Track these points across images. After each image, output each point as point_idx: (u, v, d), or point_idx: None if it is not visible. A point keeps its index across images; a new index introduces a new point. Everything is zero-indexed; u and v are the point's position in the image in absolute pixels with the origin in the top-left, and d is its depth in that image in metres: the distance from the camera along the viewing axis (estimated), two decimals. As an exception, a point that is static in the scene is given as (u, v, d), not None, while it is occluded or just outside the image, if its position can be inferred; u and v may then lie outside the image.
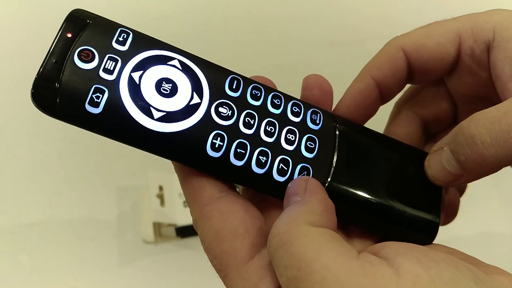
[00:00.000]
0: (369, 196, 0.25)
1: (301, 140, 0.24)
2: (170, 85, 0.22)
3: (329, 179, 0.24)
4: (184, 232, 0.47)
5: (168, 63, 0.23)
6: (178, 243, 0.47)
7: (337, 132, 0.25)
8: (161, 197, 0.48)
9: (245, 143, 0.23)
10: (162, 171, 0.49)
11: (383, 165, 0.26)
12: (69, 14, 0.23)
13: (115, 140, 0.22)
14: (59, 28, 0.22)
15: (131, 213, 0.49)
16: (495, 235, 0.49)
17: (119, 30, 0.23)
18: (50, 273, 0.46)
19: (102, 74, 0.21)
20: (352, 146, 0.25)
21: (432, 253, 0.19)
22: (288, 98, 0.25)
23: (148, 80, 0.22)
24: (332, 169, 0.24)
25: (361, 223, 0.26)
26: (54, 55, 0.21)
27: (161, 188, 0.48)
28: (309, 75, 0.27)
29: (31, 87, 0.21)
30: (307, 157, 0.24)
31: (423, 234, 0.26)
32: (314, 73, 0.27)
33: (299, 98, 0.26)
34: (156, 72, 0.22)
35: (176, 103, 0.22)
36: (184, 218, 0.47)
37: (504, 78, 0.24)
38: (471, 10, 0.27)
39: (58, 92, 0.21)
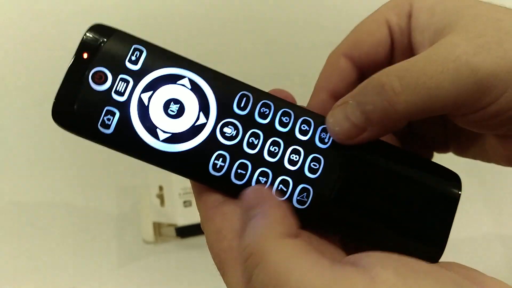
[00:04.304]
0: (372, 217, 0.24)
1: (305, 161, 0.24)
2: (178, 105, 0.23)
3: (330, 200, 0.24)
4: (184, 232, 0.47)
5: (178, 82, 0.23)
6: (178, 243, 0.47)
7: (345, 150, 0.25)
8: (161, 197, 0.48)
9: (247, 163, 0.23)
10: (162, 171, 0.48)
11: (392, 183, 0.25)
12: (87, 30, 0.23)
13: (126, 155, 0.23)
14: (77, 47, 0.23)
15: (131, 213, 0.49)
16: (480, 236, 0.48)
17: (132, 48, 0.23)
18: (50, 273, 0.46)
19: (114, 95, 0.23)
20: (360, 163, 0.25)
21: (414, 263, 0.19)
22: (298, 115, 0.25)
23: (157, 101, 0.23)
24: (335, 190, 0.24)
25: (363, 242, 0.25)
26: (71, 75, 0.23)
27: (161, 188, 0.48)
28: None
29: (51, 106, 0.22)
30: (309, 178, 0.24)
31: (429, 256, 0.25)
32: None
33: (311, 111, 0.26)
34: (165, 93, 0.23)
35: (182, 124, 0.23)
36: (184, 218, 0.47)
37: (417, 46, 0.25)
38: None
39: (74, 113, 0.22)
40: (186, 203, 0.47)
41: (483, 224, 0.49)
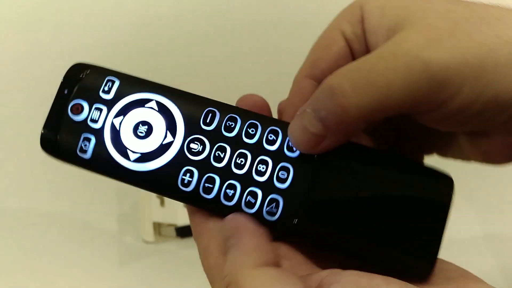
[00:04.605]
0: (350, 228, 0.23)
1: (274, 170, 0.24)
2: (146, 127, 0.25)
3: (302, 210, 0.23)
4: (184, 232, 0.47)
5: (146, 105, 0.25)
6: (178, 243, 0.47)
7: (317, 157, 0.24)
8: (161, 197, 0.48)
9: (214, 177, 0.24)
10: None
11: (372, 189, 0.23)
12: (68, 70, 0.26)
13: (107, 177, 0.25)
14: (59, 84, 0.26)
15: (131, 213, 0.49)
16: (473, 236, 0.48)
17: (106, 79, 0.25)
18: (50, 273, 0.46)
19: (89, 123, 0.25)
20: (334, 170, 0.24)
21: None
22: (266, 125, 0.25)
23: (127, 125, 0.25)
24: (307, 198, 0.23)
25: (342, 254, 0.24)
26: (55, 110, 0.25)
27: (161, 188, 0.48)
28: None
29: (39, 137, 0.25)
30: (279, 188, 0.24)
31: (417, 272, 0.23)
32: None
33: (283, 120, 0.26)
34: (134, 116, 0.25)
35: (150, 144, 0.25)
36: (184, 218, 0.47)
37: (372, 48, 0.24)
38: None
39: (58, 142, 0.25)
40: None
41: (476, 224, 0.49)
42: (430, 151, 0.29)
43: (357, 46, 0.25)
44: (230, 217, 0.23)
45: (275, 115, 0.28)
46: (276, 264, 0.22)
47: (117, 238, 0.47)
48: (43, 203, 0.49)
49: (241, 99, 0.27)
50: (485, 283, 0.21)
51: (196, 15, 0.61)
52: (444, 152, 0.28)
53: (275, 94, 0.29)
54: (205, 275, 0.24)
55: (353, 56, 0.26)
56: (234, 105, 0.26)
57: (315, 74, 0.26)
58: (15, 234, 0.48)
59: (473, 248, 0.48)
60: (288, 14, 0.62)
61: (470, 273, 0.22)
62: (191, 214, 0.25)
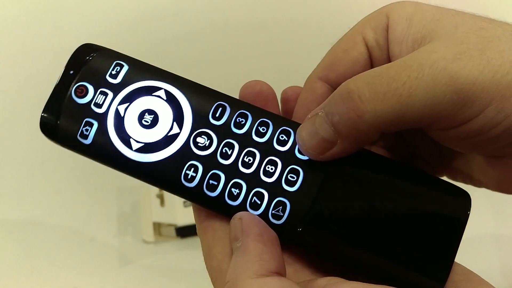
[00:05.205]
0: (357, 240, 0.22)
1: (283, 172, 0.23)
2: (152, 116, 0.24)
3: (308, 217, 0.22)
4: (184, 232, 0.47)
5: (153, 94, 0.24)
6: (178, 243, 0.47)
7: (330, 162, 0.23)
8: (161, 197, 0.48)
9: (219, 174, 0.23)
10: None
11: (383, 201, 0.23)
12: (75, 50, 0.25)
13: (105, 165, 0.24)
14: (65, 65, 0.24)
15: (131, 213, 0.49)
16: (476, 235, 0.48)
17: (114, 63, 0.24)
18: (50, 273, 0.46)
19: (93, 107, 0.24)
20: (346, 176, 0.23)
21: None
22: (277, 125, 0.24)
23: (132, 112, 0.24)
24: (316, 204, 0.22)
25: (347, 268, 0.23)
26: (58, 90, 0.24)
27: (161, 188, 0.48)
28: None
29: (39, 118, 0.24)
30: (287, 191, 0.23)
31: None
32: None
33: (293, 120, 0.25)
34: (141, 104, 0.24)
35: (155, 134, 0.24)
36: (184, 218, 0.47)
37: (394, 59, 0.23)
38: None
39: (58, 125, 0.24)
40: (186, 203, 0.47)
41: (481, 224, 0.49)
42: (441, 172, 0.28)
43: (378, 54, 0.25)
44: (238, 216, 0.22)
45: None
46: (281, 271, 0.21)
47: (117, 238, 0.47)
48: (43, 203, 0.49)
49: (245, 86, 0.26)
50: (491, 285, 0.21)
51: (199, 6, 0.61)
52: (454, 174, 0.27)
53: (279, 82, 0.28)
54: (205, 276, 0.24)
55: (372, 63, 0.25)
56: (239, 93, 0.25)
57: (329, 77, 0.25)
58: (15, 234, 0.48)
59: (482, 246, 0.47)
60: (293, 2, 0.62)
61: (476, 275, 0.21)
62: (196, 210, 0.25)
